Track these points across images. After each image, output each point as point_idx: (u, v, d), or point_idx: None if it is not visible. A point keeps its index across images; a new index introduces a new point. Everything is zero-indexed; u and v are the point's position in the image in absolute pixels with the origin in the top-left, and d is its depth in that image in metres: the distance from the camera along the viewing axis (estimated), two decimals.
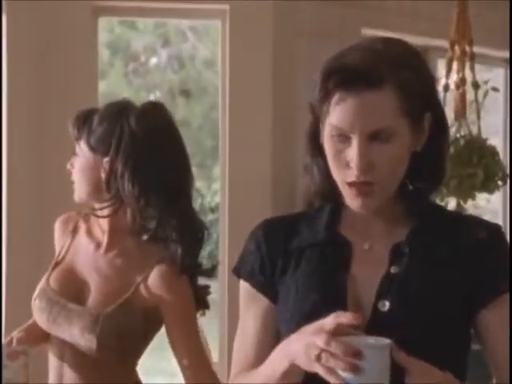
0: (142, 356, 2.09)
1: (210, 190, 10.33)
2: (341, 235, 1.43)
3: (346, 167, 1.34)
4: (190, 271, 2.00)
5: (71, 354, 2.03)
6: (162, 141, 2.02)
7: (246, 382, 1.40)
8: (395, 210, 1.42)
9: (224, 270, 3.52)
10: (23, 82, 3.39)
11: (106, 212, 2.02)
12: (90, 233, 2.11)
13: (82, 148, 2.05)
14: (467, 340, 1.39)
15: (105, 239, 2.06)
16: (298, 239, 1.45)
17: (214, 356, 4.87)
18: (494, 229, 1.41)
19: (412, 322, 1.31)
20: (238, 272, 1.50)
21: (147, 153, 1.98)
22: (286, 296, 1.42)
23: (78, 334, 1.98)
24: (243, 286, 1.48)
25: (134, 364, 2.08)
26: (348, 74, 1.31)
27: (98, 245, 2.07)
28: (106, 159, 2.00)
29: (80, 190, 2.08)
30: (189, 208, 2.04)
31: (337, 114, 1.33)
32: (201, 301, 2.08)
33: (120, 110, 2.03)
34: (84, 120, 2.06)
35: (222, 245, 3.62)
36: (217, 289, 3.65)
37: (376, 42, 1.37)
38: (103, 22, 3.85)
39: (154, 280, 1.97)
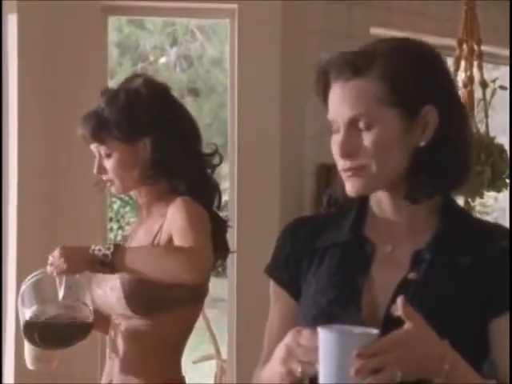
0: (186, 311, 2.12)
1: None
2: (364, 236, 1.44)
3: (338, 156, 1.39)
4: (206, 208, 2.10)
5: (121, 328, 2.11)
6: (173, 104, 2.18)
7: (261, 375, 1.42)
8: (417, 211, 1.41)
9: (233, 267, 3.53)
10: (33, 81, 3.42)
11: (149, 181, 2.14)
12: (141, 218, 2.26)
13: (113, 145, 2.11)
14: (483, 349, 1.37)
15: (143, 212, 2.20)
16: (323, 238, 1.47)
17: (223, 352, 4.91)
18: None
19: None
20: (266, 268, 1.53)
21: (169, 118, 2.12)
22: (307, 292, 1.44)
23: (108, 290, 2.08)
24: (271, 281, 1.52)
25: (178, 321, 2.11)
26: (337, 66, 1.36)
27: (140, 221, 2.23)
28: (146, 140, 2.09)
29: (124, 181, 2.14)
30: (203, 164, 2.19)
31: (329, 104, 1.39)
32: (221, 244, 2.18)
33: (124, 94, 2.12)
34: (97, 121, 2.11)
35: (231, 243, 3.62)
36: (226, 286, 3.67)
37: (378, 40, 1.41)
38: (112, 22, 3.87)
39: (170, 212, 2.05)
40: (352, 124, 1.36)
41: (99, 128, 2.09)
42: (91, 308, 2.03)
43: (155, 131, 2.09)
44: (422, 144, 1.37)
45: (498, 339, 1.36)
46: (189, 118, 2.20)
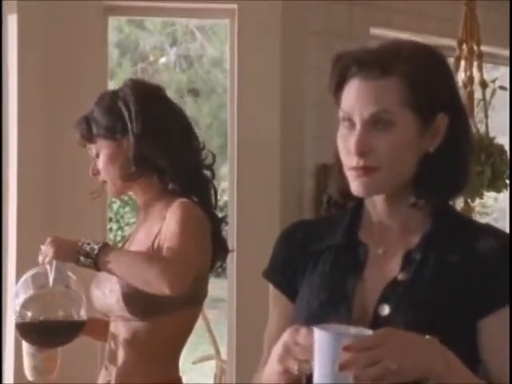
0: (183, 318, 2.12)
1: (219, 189, 10.36)
2: (357, 238, 1.45)
3: (350, 153, 1.36)
4: (203, 208, 2.11)
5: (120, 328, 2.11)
6: (160, 102, 2.17)
7: (260, 376, 1.41)
8: (411, 214, 1.42)
9: (232, 268, 3.53)
10: (33, 81, 3.41)
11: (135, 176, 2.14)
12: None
13: (101, 143, 2.14)
14: (475, 350, 1.36)
15: (141, 213, 2.22)
16: (318, 242, 1.47)
17: (223, 352, 4.91)
18: (504, 238, 1.41)
19: (410, 328, 1.29)
20: (264, 272, 1.54)
21: (154, 115, 2.12)
22: (301, 295, 1.45)
23: (107, 292, 2.08)
24: (270, 285, 1.53)
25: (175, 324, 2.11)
26: (361, 62, 1.35)
27: (138, 223, 2.24)
28: (129, 137, 2.10)
29: (115, 181, 2.16)
30: (196, 163, 2.19)
31: (344, 97, 1.38)
32: (220, 244, 2.17)
33: (110, 95, 2.17)
34: (86, 123, 2.15)
35: (230, 243, 3.63)
36: (225, 287, 3.67)
37: (397, 41, 1.42)
38: (112, 22, 3.87)
39: (168, 215, 2.06)
40: (370, 122, 1.34)
41: (88, 128, 2.15)
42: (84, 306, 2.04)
43: (138, 127, 2.10)
44: (431, 150, 1.38)
45: (487, 339, 1.36)
46: (178, 116, 2.19)
